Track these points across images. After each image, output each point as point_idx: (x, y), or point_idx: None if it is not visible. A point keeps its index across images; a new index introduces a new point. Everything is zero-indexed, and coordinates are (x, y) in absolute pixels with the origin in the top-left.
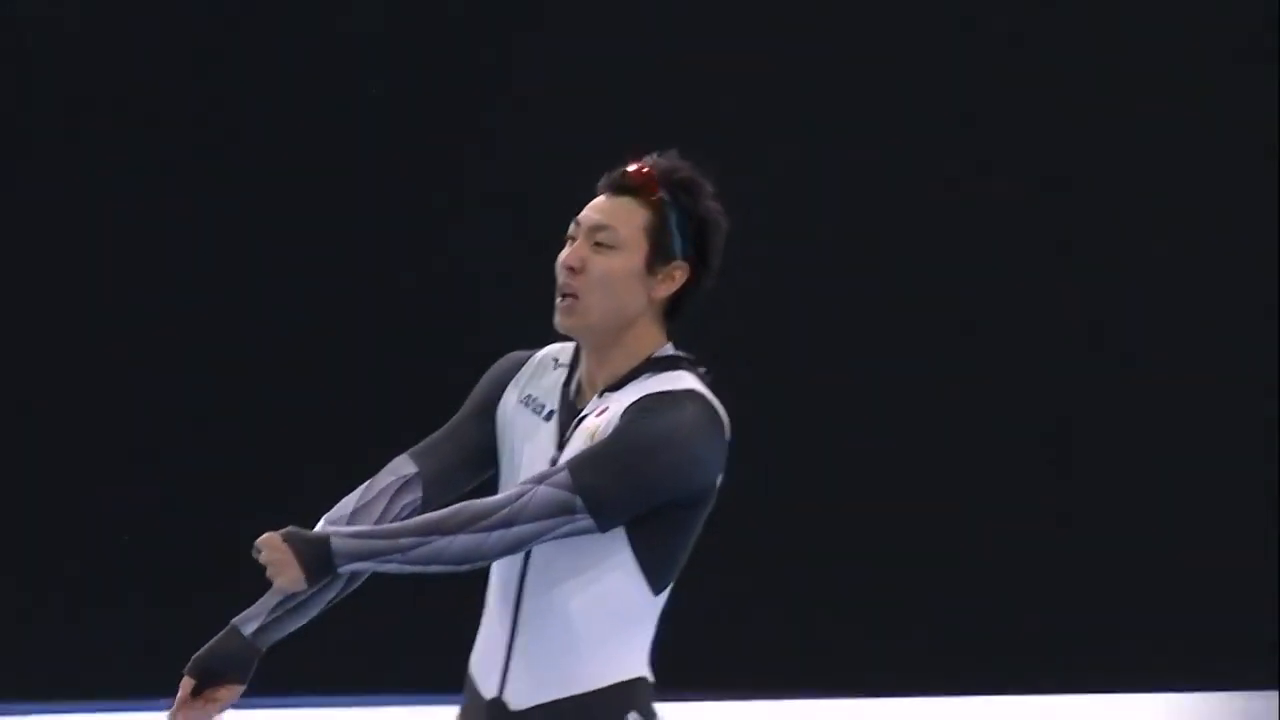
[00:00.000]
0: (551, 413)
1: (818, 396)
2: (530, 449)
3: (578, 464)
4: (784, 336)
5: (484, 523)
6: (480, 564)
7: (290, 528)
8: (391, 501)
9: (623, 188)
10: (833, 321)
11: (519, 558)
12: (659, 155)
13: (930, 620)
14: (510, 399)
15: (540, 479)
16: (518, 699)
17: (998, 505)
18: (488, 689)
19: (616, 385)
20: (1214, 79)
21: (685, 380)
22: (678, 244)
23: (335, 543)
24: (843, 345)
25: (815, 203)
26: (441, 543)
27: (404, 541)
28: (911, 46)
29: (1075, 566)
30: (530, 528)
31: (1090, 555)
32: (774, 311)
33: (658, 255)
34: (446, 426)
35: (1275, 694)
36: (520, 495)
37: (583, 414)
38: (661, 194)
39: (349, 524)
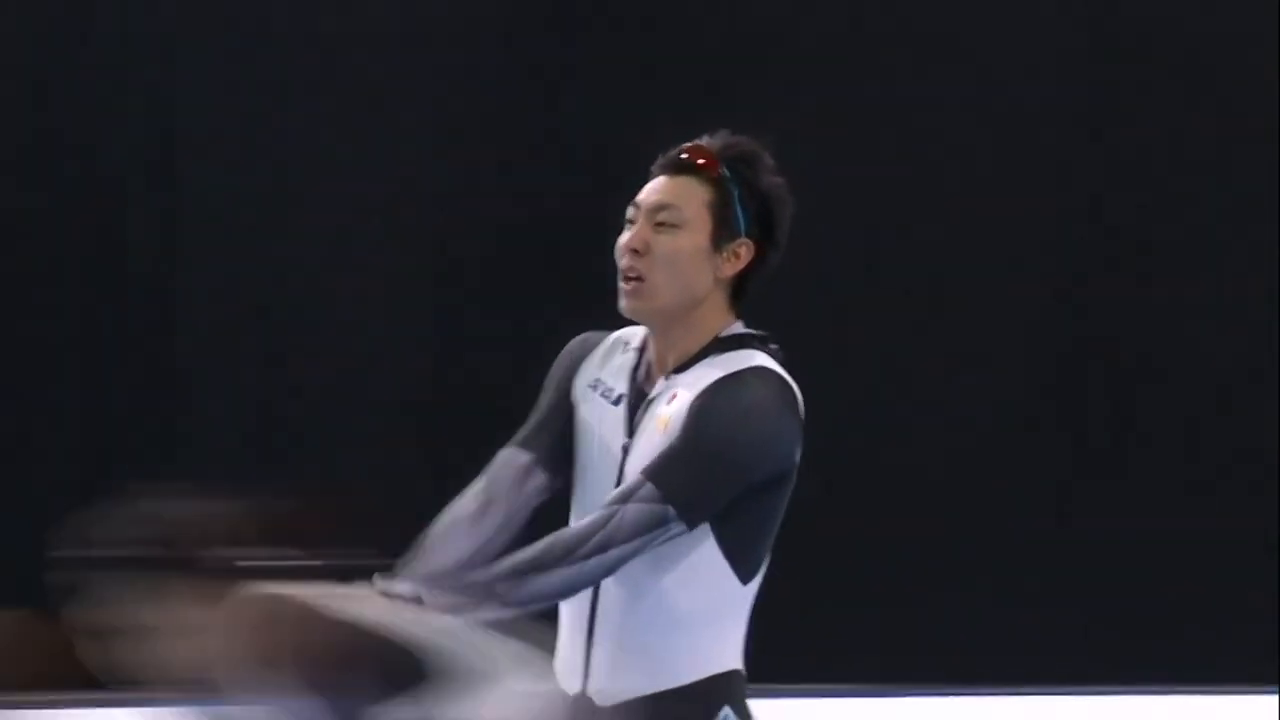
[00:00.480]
0: (620, 397)
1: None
2: (601, 434)
3: (659, 471)
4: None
5: (579, 552)
6: (581, 590)
7: (381, 579)
8: (517, 492)
9: (682, 167)
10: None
11: None
12: (712, 135)
13: (926, 616)
14: (580, 383)
15: (625, 496)
16: (603, 695)
17: (999, 502)
18: (571, 685)
19: (684, 366)
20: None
21: (753, 358)
22: (741, 220)
23: (429, 605)
24: (844, 337)
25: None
26: (540, 582)
27: (500, 589)
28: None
29: (1076, 564)
30: (627, 548)
31: (1092, 553)
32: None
33: (722, 232)
34: (535, 415)
35: (1275, 694)
36: (610, 518)
37: (651, 397)
38: (722, 170)
39: (473, 526)
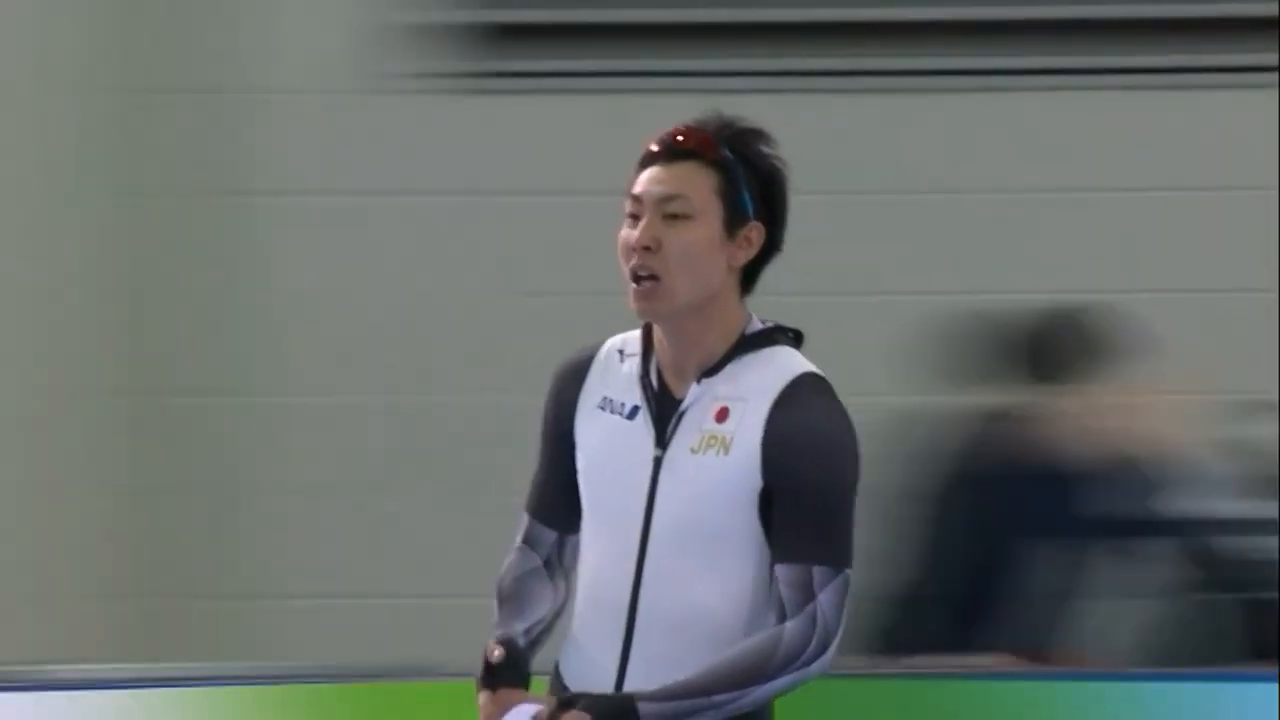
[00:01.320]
0: (636, 409)
1: None
2: (622, 452)
3: (814, 550)
4: None
5: (803, 657)
6: None
7: (588, 696)
8: (568, 564)
9: (680, 153)
10: None
11: (631, 567)
12: (702, 116)
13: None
14: (584, 410)
15: (808, 592)
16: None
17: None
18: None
19: (713, 369)
20: None
21: (793, 360)
22: (749, 203)
23: (644, 708)
24: None
25: None
26: (762, 690)
27: (720, 698)
28: None
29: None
30: (838, 629)
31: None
32: None
33: (733, 218)
34: (541, 464)
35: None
36: (815, 617)
37: (684, 407)
38: (724, 151)
39: (551, 587)
